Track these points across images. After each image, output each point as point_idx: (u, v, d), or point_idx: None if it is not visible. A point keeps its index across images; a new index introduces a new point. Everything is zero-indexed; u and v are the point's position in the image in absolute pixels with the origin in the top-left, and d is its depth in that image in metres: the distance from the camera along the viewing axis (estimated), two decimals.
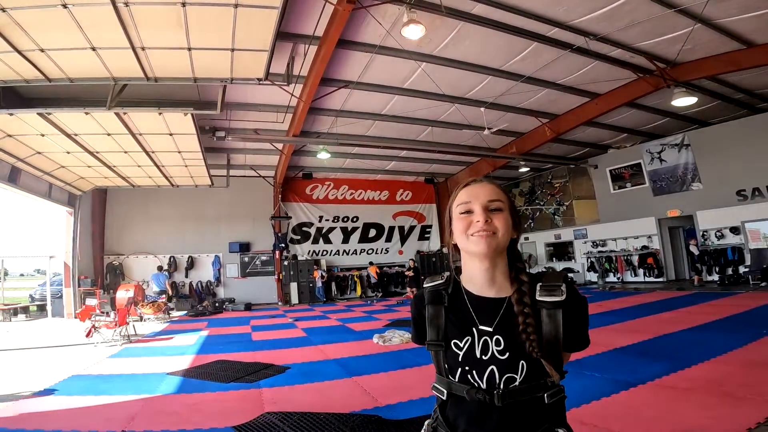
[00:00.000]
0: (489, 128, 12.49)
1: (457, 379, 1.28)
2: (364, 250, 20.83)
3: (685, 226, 16.48)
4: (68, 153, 10.77)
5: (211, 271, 18.05)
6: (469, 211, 1.30)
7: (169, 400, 5.01)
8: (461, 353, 1.28)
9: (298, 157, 16.51)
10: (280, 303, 18.30)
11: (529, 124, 14.62)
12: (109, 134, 9.76)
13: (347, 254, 20.49)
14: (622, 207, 17.47)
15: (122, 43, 6.54)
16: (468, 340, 1.29)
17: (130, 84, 7.89)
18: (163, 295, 14.93)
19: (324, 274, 18.82)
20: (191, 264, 17.83)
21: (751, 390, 3.91)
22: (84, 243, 15.27)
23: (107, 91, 8.01)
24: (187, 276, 17.75)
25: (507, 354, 1.25)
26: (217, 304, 16.54)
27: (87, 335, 8.95)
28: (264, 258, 18.80)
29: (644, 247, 16.87)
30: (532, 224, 21.82)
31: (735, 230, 14.09)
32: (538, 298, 1.27)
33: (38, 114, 8.41)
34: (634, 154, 16.99)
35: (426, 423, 1.39)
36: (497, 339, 1.26)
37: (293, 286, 18.45)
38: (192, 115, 9.25)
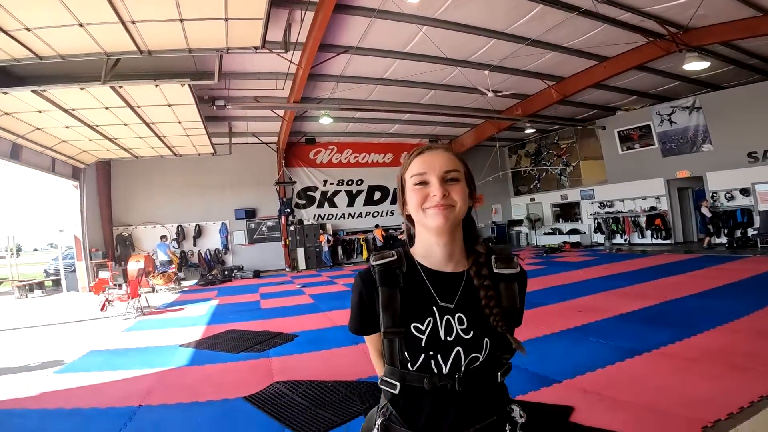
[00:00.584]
0: (493, 91, 12.21)
1: (415, 369, 1.19)
2: (370, 212, 20.82)
3: (694, 187, 16.29)
4: (68, 128, 10.72)
5: (218, 239, 18.18)
6: (424, 182, 1.20)
7: (182, 372, 5.18)
8: (424, 338, 1.18)
9: (300, 122, 16.31)
10: (287, 269, 18.48)
11: (535, 87, 14.27)
12: (107, 108, 9.67)
13: (353, 217, 20.51)
14: (630, 168, 17.22)
15: (110, 18, 6.36)
16: (430, 321, 1.19)
17: (124, 57, 7.73)
18: (173, 265, 15.13)
19: (330, 238, 18.91)
20: (199, 232, 17.94)
21: (757, 361, 3.95)
22: (92, 215, 15.41)
23: (101, 65, 7.86)
24: (195, 244, 17.90)
25: (471, 333, 1.18)
26: (226, 272, 16.76)
27: (101, 309, 9.16)
28: (270, 224, 18.87)
29: (652, 208, 16.72)
30: (538, 185, 21.67)
31: (745, 192, 13.93)
32: (495, 270, 1.22)
33: (33, 91, 8.32)
34: (644, 116, 16.60)
35: (378, 423, 1.26)
36: (459, 317, 1.19)
37: (300, 251, 18.55)
38: (190, 85, 9.10)
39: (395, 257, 1.26)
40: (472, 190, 1.27)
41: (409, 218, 1.29)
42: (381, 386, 1.27)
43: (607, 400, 3.47)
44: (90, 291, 12.30)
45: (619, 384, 3.80)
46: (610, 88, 14.49)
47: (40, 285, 15.59)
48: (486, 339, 1.19)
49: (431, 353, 1.18)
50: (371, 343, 1.35)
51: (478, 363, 1.19)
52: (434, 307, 1.20)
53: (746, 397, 3.20)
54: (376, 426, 1.26)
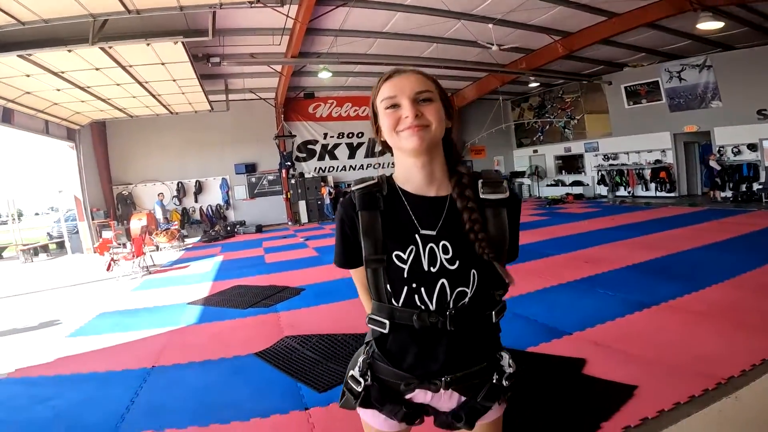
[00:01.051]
0: (498, 45, 11.78)
1: (401, 303, 1.15)
2: (371, 164, 20.63)
3: (700, 142, 16.07)
4: (59, 90, 10.45)
5: (219, 194, 18.13)
6: (395, 105, 1.14)
7: (193, 330, 5.23)
8: (406, 267, 1.13)
9: (299, 77, 15.90)
10: (289, 223, 18.54)
11: (541, 41, 13.75)
12: (97, 69, 9.36)
13: (354, 169, 20.34)
14: (637, 122, 16.93)
15: None
16: (412, 249, 1.13)
17: (113, 18, 7.41)
18: (176, 222, 15.11)
19: (332, 190, 18.83)
20: (199, 188, 17.86)
21: (766, 319, 3.93)
22: (91, 175, 15.28)
23: (88, 27, 7.54)
24: (196, 201, 17.86)
25: (457, 263, 1.12)
26: (228, 228, 16.79)
27: (107, 269, 9.21)
28: (271, 177, 18.78)
29: (657, 161, 16.54)
30: (541, 137, 21.38)
31: (752, 147, 13.77)
32: (482, 196, 1.15)
33: (19, 56, 8.05)
34: (652, 73, 16.16)
35: (360, 360, 1.24)
36: (444, 245, 1.13)
37: (302, 204, 18.53)
38: (183, 43, 8.77)
39: (375, 181, 1.20)
40: (449, 110, 1.20)
41: (386, 144, 1.23)
42: (369, 325, 1.23)
43: (619, 354, 3.49)
44: (95, 252, 12.33)
45: (630, 337, 3.82)
46: (619, 44, 13.95)
47: (45, 248, 15.62)
48: (473, 270, 1.13)
49: (414, 285, 1.13)
50: (357, 278, 1.31)
51: (466, 299, 1.13)
52: (416, 235, 1.14)
53: (757, 354, 3.19)
54: (359, 363, 1.24)
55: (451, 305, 1.13)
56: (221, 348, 4.44)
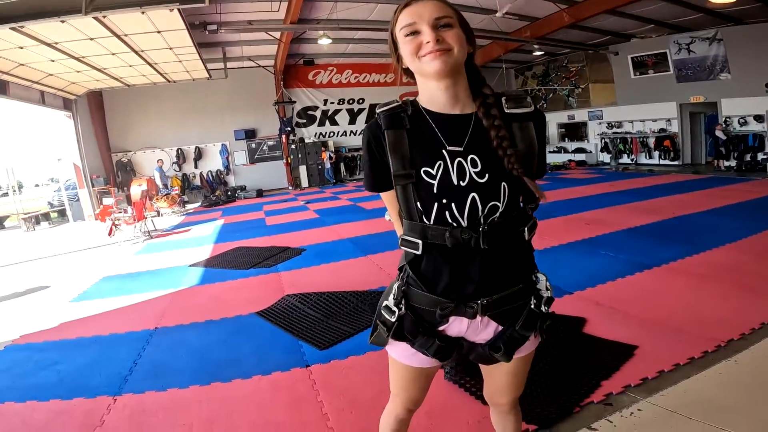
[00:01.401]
0: (502, 12, 11.43)
1: (433, 221, 1.13)
2: None
3: (707, 112, 15.80)
4: (53, 61, 10.23)
5: (219, 160, 18.03)
6: (415, 32, 1.12)
7: (194, 292, 5.27)
8: (435, 182, 1.12)
9: (298, 44, 15.59)
10: (290, 187, 18.51)
11: (546, 9, 13.29)
12: (92, 39, 9.11)
13: (354, 135, 20.17)
14: (642, 91, 16.60)
15: None
16: (440, 164, 1.13)
17: None
18: (176, 188, 15.05)
19: (332, 155, 18.79)
20: (199, 154, 17.75)
21: (766, 282, 3.91)
22: (89, 143, 15.11)
23: None
24: (196, 167, 17.78)
25: (486, 176, 1.11)
26: (229, 193, 16.78)
27: (109, 234, 9.23)
28: (271, 143, 18.64)
29: (662, 130, 16.34)
30: (545, 105, 21.06)
31: (759, 118, 13.57)
32: (507, 111, 1.15)
33: (11, 29, 7.81)
34: (661, 44, 15.73)
35: (394, 287, 1.23)
36: (473, 159, 1.12)
37: (302, 169, 18.45)
38: (179, 10, 8.45)
39: (400, 103, 1.21)
40: (470, 36, 1.18)
41: (408, 72, 1.23)
42: (402, 247, 1.22)
43: (619, 314, 3.50)
44: (96, 219, 12.31)
45: (630, 298, 3.83)
46: (627, 15, 13.46)
47: (46, 216, 15.59)
48: (503, 183, 1.12)
49: (444, 201, 1.12)
50: (388, 201, 1.29)
51: (497, 214, 1.12)
52: (443, 150, 1.14)
53: (758, 318, 3.18)
54: (393, 291, 1.23)
55: (482, 221, 1.11)
56: (223, 308, 4.47)
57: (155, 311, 4.62)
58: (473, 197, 1.11)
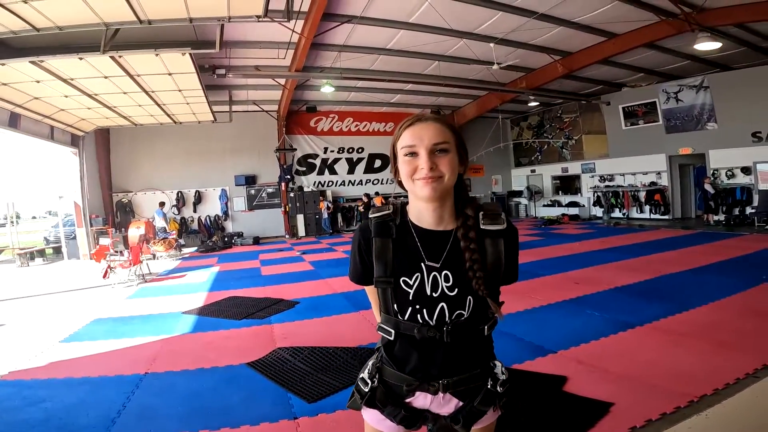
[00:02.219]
0: (498, 63, 12.03)
1: (406, 318, 1.30)
2: (370, 180, 20.83)
3: (695, 164, 16.25)
4: (66, 97, 10.59)
5: (218, 205, 18.21)
6: (413, 154, 1.27)
7: (186, 339, 5.29)
8: (412, 291, 1.29)
9: (302, 91, 16.16)
10: (287, 236, 18.57)
11: (541, 61, 14.03)
12: (106, 77, 9.53)
13: (353, 185, 20.53)
14: (633, 143, 17.16)
15: None
16: (418, 276, 1.29)
17: (124, 27, 7.57)
18: (174, 232, 15.14)
19: (330, 205, 18.99)
20: (199, 198, 17.94)
21: (744, 339, 4.07)
22: (91, 182, 15.36)
23: (100, 35, 7.72)
24: (195, 211, 17.93)
25: (456, 290, 1.28)
26: (226, 239, 16.82)
27: (104, 276, 9.22)
28: (270, 190, 18.88)
29: (652, 183, 16.73)
30: (539, 157, 21.60)
31: (746, 170, 13.94)
32: (482, 227, 1.30)
33: (31, 62, 8.19)
34: (650, 93, 16.42)
35: (369, 363, 1.42)
36: (446, 274, 1.28)
37: (300, 218, 18.58)
38: (191, 54, 8.95)
39: (390, 211, 1.36)
40: (464, 156, 1.33)
41: (401, 184, 1.36)
42: (379, 332, 1.39)
43: (599, 371, 3.59)
44: (91, 258, 12.36)
45: (612, 356, 3.92)
46: (618, 64, 14.25)
47: (41, 253, 15.59)
48: (469, 297, 1.29)
49: (417, 306, 1.29)
50: (370, 292, 1.49)
51: (463, 318, 1.29)
52: (422, 264, 1.30)
53: (732, 374, 3.31)
54: (368, 366, 1.42)
55: (448, 322, 1.28)
56: (214, 357, 4.51)
57: (146, 356, 4.65)
58: (442, 306, 1.28)
